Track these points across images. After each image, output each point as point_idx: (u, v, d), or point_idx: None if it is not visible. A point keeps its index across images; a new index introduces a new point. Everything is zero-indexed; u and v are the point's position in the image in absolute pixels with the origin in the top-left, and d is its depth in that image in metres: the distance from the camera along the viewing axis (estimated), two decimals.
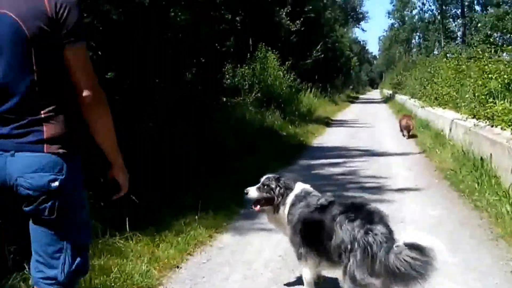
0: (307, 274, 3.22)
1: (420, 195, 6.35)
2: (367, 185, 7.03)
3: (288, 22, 22.32)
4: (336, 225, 2.87)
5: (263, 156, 9.01)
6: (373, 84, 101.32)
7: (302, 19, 23.62)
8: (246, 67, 15.25)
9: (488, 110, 8.24)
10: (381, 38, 79.99)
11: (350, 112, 25.18)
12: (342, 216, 2.87)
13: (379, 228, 2.73)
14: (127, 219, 4.55)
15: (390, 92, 39.08)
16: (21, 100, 1.89)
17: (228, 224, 5.18)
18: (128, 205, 4.79)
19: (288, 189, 3.36)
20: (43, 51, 1.89)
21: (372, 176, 7.68)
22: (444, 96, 13.88)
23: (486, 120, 7.94)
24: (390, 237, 2.73)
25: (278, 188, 3.34)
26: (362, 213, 2.86)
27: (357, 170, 8.16)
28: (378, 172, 7.93)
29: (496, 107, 8.02)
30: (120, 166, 2.19)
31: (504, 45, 16.79)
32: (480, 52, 15.21)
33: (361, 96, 53.35)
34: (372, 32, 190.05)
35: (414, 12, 51.44)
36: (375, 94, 63.96)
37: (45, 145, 1.91)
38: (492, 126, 7.56)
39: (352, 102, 36.99)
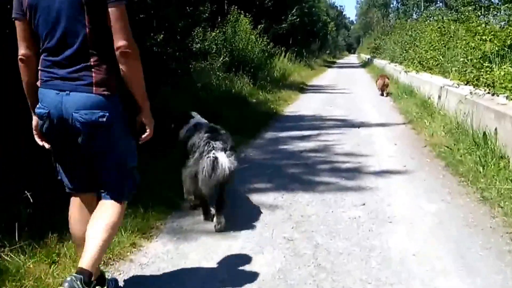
0: None
1: (410, 180, 5.12)
2: (344, 165, 5.79)
3: None
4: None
5: (226, 127, 7.69)
6: (351, 49, 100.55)
7: None
8: (217, 31, 13.89)
9: (487, 76, 7.04)
10: (359, 2, 78.20)
11: (327, 77, 23.84)
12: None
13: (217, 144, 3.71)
14: (16, 224, 3.26)
15: (368, 56, 37.84)
16: (76, 50, 2.31)
17: (161, 224, 3.90)
18: (21, 204, 3.50)
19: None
20: (93, 11, 2.28)
21: (350, 153, 6.45)
22: (429, 60, 12.71)
23: (485, 88, 6.75)
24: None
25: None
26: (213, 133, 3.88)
27: (332, 146, 6.92)
28: (357, 149, 6.71)
29: (497, 72, 6.81)
30: (147, 111, 2.49)
31: (491, 7, 15.61)
32: (467, 13, 14.08)
33: (338, 61, 52.03)
34: None
35: None
36: (352, 58, 62.68)
37: (94, 87, 2.33)
38: (493, 95, 6.37)
39: (329, 66, 35.61)
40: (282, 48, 20.15)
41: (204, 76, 11.30)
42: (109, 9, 2.27)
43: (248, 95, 11.86)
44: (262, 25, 17.10)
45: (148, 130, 2.51)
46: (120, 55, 2.31)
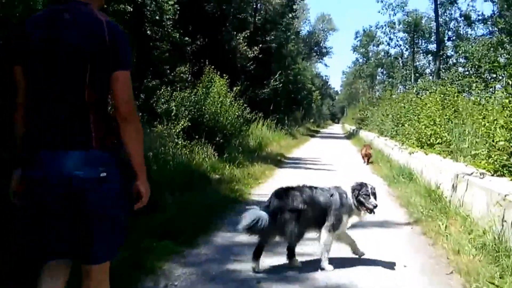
0: None
1: None
2: None
3: (246, 47, 20.60)
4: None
5: (164, 220, 5.41)
6: (335, 118, 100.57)
7: (260, 45, 21.86)
8: (188, 91, 11.99)
9: None
10: (345, 72, 78.24)
11: (309, 147, 21.68)
12: None
13: None
14: None
15: (353, 127, 36.21)
16: (73, 109, 2.24)
17: None
18: None
19: None
20: (96, 69, 2.24)
21: (338, 286, 4.06)
22: (430, 137, 10.62)
23: None
24: None
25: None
26: None
27: (310, 269, 4.48)
28: (349, 276, 4.31)
29: None
30: (144, 179, 2.43)
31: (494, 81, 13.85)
32: (474, 85, 12.26)
33: (322, 130, 50.41)
34: (335, 68, 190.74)
35: (380, 47, 49.50)
36: (336, 128, 61.35)
37: (94, 143, 2.25)
38: None
39: (313, 136, 33.75)
40: (260, 114, 18.10)
41: (159, 143, 9.08)
42: (115, 73, 2.26)
43: (210, 170, 9.57)
44: (239, 87, 15.20)
45: (143, 198, 2.44)
46: (121, 120, 2.29)
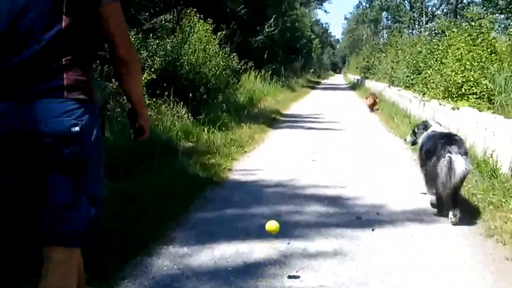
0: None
1: None
2: None
3: None
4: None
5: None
6: (336, 68, 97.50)
7: None
8: (165, 39, 9.91)
9: None
10: (346, 17, 74.25)
11: (310, 101, 19.32)
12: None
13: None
14: None
15: (358, 77, 33.67)
16: (45, 47, 1.81)
17: None
18: None
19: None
20: (76, 1, 1.84)
21: None
22: (463, 87, 8.38)
23: None
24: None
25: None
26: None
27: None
28: None
29: None
30: (145, 114, 2.29)
31: None
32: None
33: (323, 81, 47.72)
34: (335, 15, 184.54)
35: None
36: (338, 79, 58.55)
37: (65, 91, 1.84)
38: None
39: (313, 88, 31.28)
40: (251, 64, 15.70)
41: (115, 104, 6.94)
42: (105, 8, 1.90)
43: (179, 137, 7.38)
44: (224, 32, 12.83)
45: (145, 131, 2.29)
46: (122, 63, 2.05)
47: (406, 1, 41.64)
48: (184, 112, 8.40)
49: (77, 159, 1.86)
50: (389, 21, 46.14)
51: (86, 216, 1.91)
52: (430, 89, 10.08)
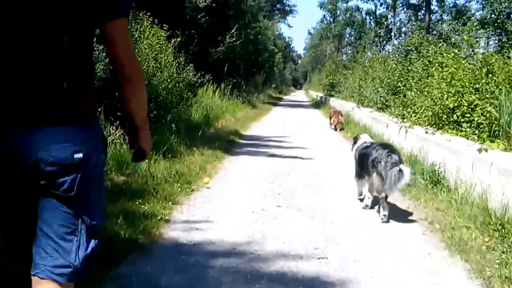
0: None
1: None
2: None
3: None
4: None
5: None
6: (297, 84, 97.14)
7: None
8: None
9: None
10: (310, 31, 73.46)
11: (272, 120, 17.78)
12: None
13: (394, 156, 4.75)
14: None
15: (321, 94, 32.56)
16: (45, 64, 1.62)
17: None
18: None
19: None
20: (81, 11, 1.66)
21: None
22: (455, 112, 7.12)
23: None
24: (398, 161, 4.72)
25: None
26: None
27: None
28: None
29: None
30: (147, 136, 2.06)
31: None
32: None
33: (285, 97, 46.53)
34: (298, 30, 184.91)
35: (350, 3, 45.29)
36: (300, 95, 57.55)
37: (67, 115, 1.65)
38: None
39: (275, 104, 29.90)
40: (208, 76, 14.19)
41: None
42: (111, 25, 1.73)
43: (112, 168, 5.70)
44: (179, 39, 11.31)
45: (146, 153, 2.07)
46: (126, 83, 1.85)
47: (371, 17, 41.14)
48: (118, 134, 6.70)
49: (79, 188, 1.68)
50: (353, 37, 45.50)
51: (84, 248, 1.75)
52: (411, 113, 8.76)
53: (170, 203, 5.08)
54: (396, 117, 9.56)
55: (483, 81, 6.95)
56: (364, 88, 15.38)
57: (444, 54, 8.43)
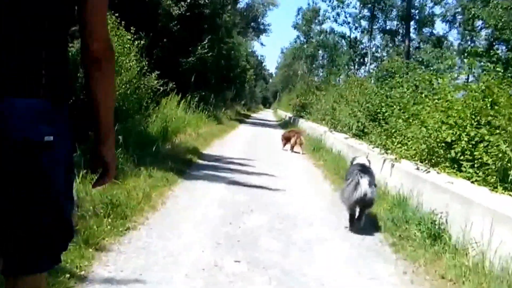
0: None
1: None
2: None
3: (170, 2, 16.56)
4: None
5: None
6: (266, 103, 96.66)
7: (189, 0, 17.19)
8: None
9: None
10: (283, 50, 72.84)
11: (237, 139, 16.44)
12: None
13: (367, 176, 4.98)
14: None
15: (290, 115, 31.50)
16: (23, 33, 1.43)
17: None
18: None
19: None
20: None
21: None
22: (453, 148, 5.99)
23: None
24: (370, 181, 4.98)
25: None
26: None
27: None
28: None
29: None
30: (111, 144, 1.67)
31: None
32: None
33: (253, 115, 45.34)
34: (270, 49, 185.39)
35: (325, 25, 44.92)
36: (269, 114, 56.48)
37: (41, 90, 1.46)
38: None
39: (242, 121, 28.65)
40: (172, 85, 12.91)
41: None
42: None
43: None
44: (143, 42, 10.10)
45: (110, 171, 1.65)
46: (93, 61, 1.56)
47: (344, 41, 40.57)
48: None
49: (55, 175, 1.46)
50: (325, 60, 44.96)
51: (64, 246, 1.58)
52: (396, 144, 7.61)
53: (92, 249, 3.69)
54: (378, 147, 8.40)
55: (491, 112, 5.82)
56: (338, 111, 14.26)
57: (440, 81, 7.33)
